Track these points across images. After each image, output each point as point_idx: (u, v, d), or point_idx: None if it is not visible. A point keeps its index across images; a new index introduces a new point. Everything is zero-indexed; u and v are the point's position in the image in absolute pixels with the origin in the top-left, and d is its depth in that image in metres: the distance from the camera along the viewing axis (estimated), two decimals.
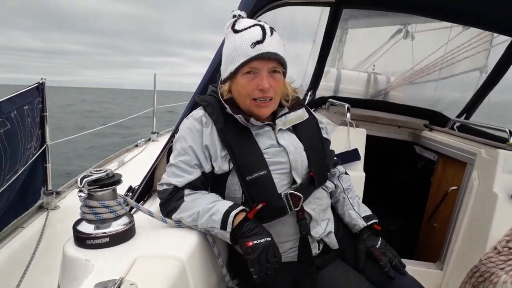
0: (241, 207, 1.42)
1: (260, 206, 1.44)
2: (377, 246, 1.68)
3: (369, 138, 2.71)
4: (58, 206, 2.71)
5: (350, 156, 2.41)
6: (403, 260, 1.70)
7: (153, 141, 5.26)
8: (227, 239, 1.39)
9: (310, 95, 3.52)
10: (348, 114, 2.57)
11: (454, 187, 2.84)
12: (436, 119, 3.54)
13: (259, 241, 1.35)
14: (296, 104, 1.67)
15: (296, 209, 1.52)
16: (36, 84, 2.36)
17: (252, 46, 1.43)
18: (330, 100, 3.43)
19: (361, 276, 1.60)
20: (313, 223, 1.59)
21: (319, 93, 3.87)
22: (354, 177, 2.36)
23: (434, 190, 3.25)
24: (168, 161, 1.66)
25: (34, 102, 2.25)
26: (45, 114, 2.51)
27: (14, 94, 1.98)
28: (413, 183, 3.61)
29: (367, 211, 1.80)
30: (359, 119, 3.60)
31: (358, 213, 1.77)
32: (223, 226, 1.37)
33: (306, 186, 1.57)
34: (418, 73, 3.88)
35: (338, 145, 2.42)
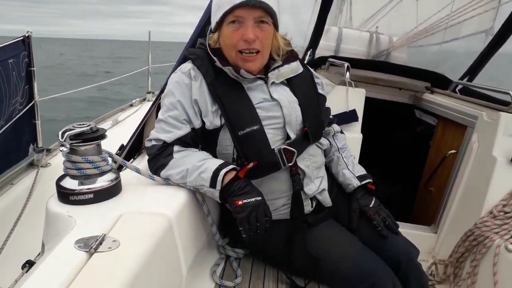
0: (231, 166, 1.38)
1: (251, 165, 1.40)
2: (371, 205, 1.65)
3: (369, 100, 2.63)
4: (49, 163, 2.67)
5: (347, 116, 2.34)
6: (398, 223, 1.68)
7: (148, 101, 5.17)
8: (217, 197, 1.36)
9: (310, 55, 3.41)
10: (348, 73, 2.48)
11: (453, 151, 2.79)
12: (438, 82, 3.45)
13: (249, 200, 1.32)
14: (290, 56, 1.59)
15: (289, 164, 1.48)
16: (22, 37, 2.25)
17: None
18: (330, 59, 3.31)
19: (354, 236, 1.58)
20: (307, 180, 1.56)
21: (319, 53, 3.74)
22: (351, 138, 2.31)
23: (432, 154, 3.21)
24: (157, 117, 1.61)
25: (19, 56, 2.15)
26: (32, 69, 2.42)
27: None
28: (412, 146, 3.56)
29: (361, 171, 1.77)
30: (359, 80, 3.51)
31: (352, 172, 1.74)
32: (213, 184, 1.33)
33: (300, 141, 1.53)
34: (422, 33, 3.73)
35: (336, 105, 2.34)
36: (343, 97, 2.37)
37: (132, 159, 1.73)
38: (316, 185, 1.59)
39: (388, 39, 3.93)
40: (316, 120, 1.62)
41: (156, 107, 1.72)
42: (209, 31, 1.53)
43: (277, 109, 1.50)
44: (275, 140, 1.49)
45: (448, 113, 2.89)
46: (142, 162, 1.63)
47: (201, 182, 1.35)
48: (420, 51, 3.94)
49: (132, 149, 1.73)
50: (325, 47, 3.87)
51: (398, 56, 3.89)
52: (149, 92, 5.25)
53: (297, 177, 1.52)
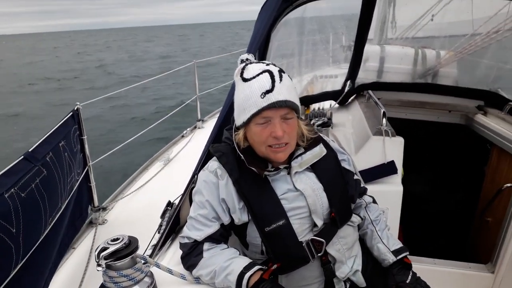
0: (256, 267, 1.42)
1: (275, 266, 1.44)
2: (408, 281, 1.61)
3: (416, 123, 2.52)
4: (106, 220, 2.89)
5: (385, 169, 2.27)
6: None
7: (199, 128, 5.33)
8: None
9: (349, 85, 3.33)
10: (384, 120, 2.40)
11: (509, 184, 2.61)
12: (492, 100, 3.22)
13: None
14: (313, 141, 1.61)
15: (319, 254, 1.50)
16: (71, 114, 2.45)
17: (262, 96, 1.41)
18: (370, 92, 3.22)
19: None
20: (338, 264, 1.57)
21: (361, 75, 3.64)
22: (391, 191, 2.25)
23: (487, 183, 3.02)
24: (190, 199, 1.70)
25: (70, 134, 2.34)
26: (83, 137, 2.63)
27: (48, 134, 2.05)
28: (465, 171, 3.37)
29: (397, 244, 1.73)
30: (405, 105, 3.39)
31: (387, 246, 1.70)
32: (238, 287, 1.39)
33: (329, 227, 1.54)
34: (472, 46, 3.47)
35: (372, 157, 2.29)
36: (380, 148, 2.30)
37: (170, 239, 1.83)
38: (349, 266, 1.59)
39: (435, 54, 3.71)
40: (344, 202, 1.61)
41: (188, 193, 1.81)
42: (234, 124, 1.58)
43: (301, 199, 1.52)
44: (302, 229, 1.51)
45: (503, 143, 2.70)
46: (178, 248, 1.72)
47: (228, 284, 1.41)
48: (473, 65, 3.67)
49: (169, 230, 1.84)
50: (366, 69, 3.75)
51: (447, 72, 3.67)
52: (199, 120, 5.41)
53: (328, 266, 1.54)
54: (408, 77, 3.70)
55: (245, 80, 1.47)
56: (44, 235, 1.86)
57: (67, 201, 2.21)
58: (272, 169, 1.53)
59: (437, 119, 3.34)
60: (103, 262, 1.33)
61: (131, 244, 1.39)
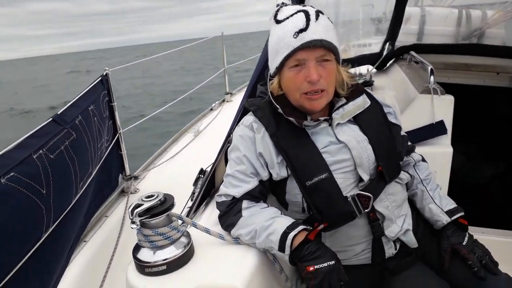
0: (300, 227, 1.30)
1: (321, 226, 1.33)
2: (464, 243, 1.47)
3: (461, 87, 2.32)
4: (137, 189, 2.84)
5: (434, 129, 2.09)
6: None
7: (227, 101, 5.23)
8: (287, 261, 1.30)
9: (388, 47, 3.12)
10: (432, 78, 2.20)
11: None
12: None
13: (321, 265, 1.23)
14: (355, 91, 1.47)
15: (366, 210, 1.37)
16: (100, 78, 2.37)
17: (295, 36, 1.29)
18: (412, 53, 2.99)
19: (445, 284, 1.42)
20: (387, 222, 1.43)
21: (401, 39, 3.41)
22: (440, 153, 2.08)
23: None
24: (226, 159, 1.60)
25: (99, 99, 2.27)
26: (113, 104, 2.56)
27: (77, 97, 1.99)
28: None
29: (450, 204, 1.57)
30: (449, 67, 3.16)
31: (440, 207, 1.55)
32: (281, 248, 1.28)
33: (376, 182, 1.41)
34: None
35: (420, 117, 2.11)
36: (428, 107, 2.12)
37: (204, 203, 1.74)
38: (398, 225, 1.45)
39: (481, 15, 3.42)
40: (391, 157, 1.47)
41: (224, 154, 1.71)
42: (268, 76, 1.47)
43: (345, 151, 1.39)
44: (346, 184, 1.38)
45: None
46: (214, 210, 1.63)
47: (270, 244, 1.30)
48: None
49: (205, 193, 1.75)
50: (406, 31, 3.51)
51: (494, 33, 3.38)
52: (227, 93, 5.31)
53: (376, 223, 1.41)
54: (451, 39, 3.45)
55: (278, 22, 1.35)
56: (75, 200, 1.80)
57: (97, 168, 2.15)
58: (312, 121, 1.39)
59: (483, 82, 3.10)
60: (137, 219, 1.24)
61: (167, 201, 1.30)
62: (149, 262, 1.26)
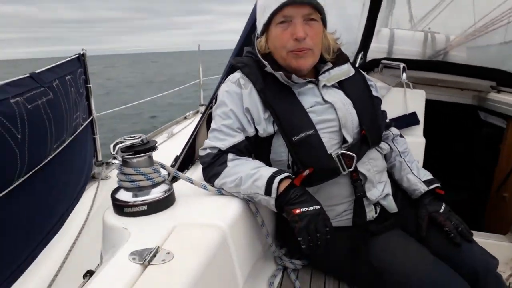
0: (286, 173, 1.31)
1: (307, 172, 1.33)
2: (441, 211, 1.51)
3: (428, 103, 2.47)
4: (109, 176, 2.75)
5: (407, 120, 2.19)
6: (472, 232, 1.52)
7: (201, 113, 5.24)
8: (272, 206, 1.29)
9: (361, 58, 3.28)
10: (404, 74, 2.33)
11: None
12: (505, 80, 3.18)
13: (307, 208, 1.24)
14: (340, 58, 1.53)
15: (349, 169, 1.39)
16: (77, 55, 2.34)
17: None
18: (384, 61, 3.16)
19: (424, 247, 1.44)
20: (369, 185, 1.46)
21: (371, 56, 3.60)
22: (413, 142, 2.16)
23: (503, 158, 2.94)
24: (208, 128, 1.60)
25: (76, 73, 2.23)
26: (88, 85, 2.51)
27: (54, 65, 1.96)
28: (478, 150, 3.30)
29: (427, 175, 1.63)
30: (417, 82, 3.33)
31: (417, 177, 1.60)
32: (268, 191, 1.27)
33: (359, 145, 1.45)
34: (482, 29, 3.47)
35: (394, 109, 2.21)
36: (401, 99, 2.23)
37: (186, 170, 1.72)
38: (379, 190, 1.49)
39: (444, 38, 3.70)
40: (374, 123, 1.52)
41: (207, 118, 1.71)
42: (255, 37, 1.51)
43: (331, 111, 1.43)
44: (331, 144, 1.41)
45: None
46: (195, 173, 1.62)
47: (256, 190, 1.29)
48: (482, 48, 3.66)
49: (185, 160, 1.72)
50: (377, 50, 3.71)
51: (457, 56, 3.65)
52: (201, 105, 5.34)
53: (358, 182, 1.44)
54: (418, 58, 3.67)
55: None
56: (47, 159, 1.73)
57: (70, 139, 2.08)
58: (299, 78, 1.43)
59: (448, 99, 3.28)
60: (119, 155, 1.20)
61: (150, 143, 1.28)
62: (129, 202, 1.22)
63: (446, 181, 1.82)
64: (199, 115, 5.10)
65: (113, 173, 2.82)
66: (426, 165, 2.20)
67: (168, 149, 3.56)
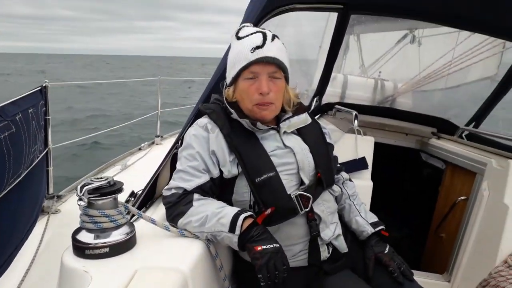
0: (249, 212, 1.40)
1: (269, 211, 1.43)
2: (385, 252, 1.66)
3: (375, 145, 2.65)
4: (59, 210, 2.68)
5: (357, 164, 2.37)
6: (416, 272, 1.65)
7: (156, 144, 5.23)
8: (235, 243, 1.36)
9: (316, 101, 3.47)
10: (356, 121, 2.53)
11: (462, 197, 2.78)
12: (444, 127, 3.48)
13: (267, 246, 1.33)
14: (300, 109, 1.69)
15: (306, 210, 1.51)
16: (39, 88, 2.33)
17: (252, 51, 1.47)
18: (337, 106, 3.38)
19: None
20: (322, 225, 1.58)
21: (325, 99, 3.82)
22: (361, 186, 2.32)
23: (441, 199, 3.19)
24: (171, 169, 1.65)
25: (38, 105, 2.22)
26: (48, 117, 2.49)
27: (18, 97, 1.94)
28: (420, 191, 3.55)
29: (373, 218, 1.79)
30: (366, 125, 3.55)
31: (365, 219, 1.75)
32: (232, 228, 1.35)
33: (314, 187, 1.58)
34: (426, 79, 3.82)
35: (345, 153, 2.38)
36: (352, 145, 2.40)
37: (144, 208, 1.74)
38: (331, 230, 1.61)
39: (392, 85, 4.01)
40: (328, 166, 1.67)
41: (170, 159, 1.76)
42: (224, 86, 1.62)
43: (290, 155, 1.56)
44: (290, 186, 1.53)
45: (457, 159, 2.89)
46: (155, 212, 1.64)
47: (220, 228, 1.36)
48: (425, 96, 4.01)
49: (145, 198, 1.75)
50: (331, 93, 3.94)
51: (403, 102, 3.96)
52: (157, 136, 5.32)
53: (313, 222, 1.55)
54: (368, 103, 3.94)
55: (239, 38, 1.54)
56: (1, 194, 1.70)
57: (25, 173, 2.05)
58: (263, 125, 1.55)
59: (394, 142, 3.52)
60: (85, 197, 1.23)
61: (116, 184, 1.31)
62: (90, 244, 1.24)
63: (387, 219, 1.98)
64: (154, 146, 5.12)
65: (63, 207, 2.76)
66: (372, 204, 2.36)
67: (123, 181, 3.53)
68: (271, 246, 1.33)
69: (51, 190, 2.71)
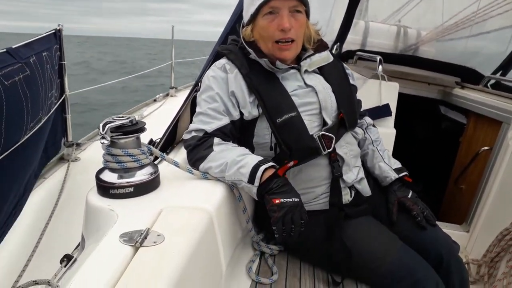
0: (271, 163, 1.36)
1: (291, 163, 1.39)
2: (409, 196, 1.63)
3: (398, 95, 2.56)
4: (78, 158, 2.69)
5: (381, 111, 2.29)
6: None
7: (171, 96, 5.18)
8: (254, 194, 1.33)
9: (337, 48, 3.35)
10: (380, 66, 2.42)
11: (486, 148, 2.71)
12: (469, 76, 3.35)
13: (286, 200, 1.29)
14: (321, 46, 1.60)
15: (328, 150, 1.47)
16: (53, 31, 2.26)
17: None
18: (359, 53, 3.24)
19: (393, 234, 1.53)
20: (345, 168, 1.55)
21: (345, 47, 3.68)
22: (384, 133, 2.26)
23: (463, 151, 3.12)
24: (191, 113, 1.61)
25: (52, 49, 2.16)
26: (63, 62, 2.44)
27: (32, 40, 1.89)
28: (437, 143, 3.47)
29: (397, 164, 1.75)
30: (389, 74, 3.45)
31: (388, 165, 1.71)
32: (251, 179, 1.31)
33: (337, 127, 1.53)
34: (452, 27, 3.63)
35: (368, 100, 2.30)
36: (376, 91, 2.32)
37: (165, 153, 1.72)
38: (354, 173, 1.58)
39: (416, 33, 3.83)
40: (351, 107, 1.61)
41: (190, 103, 1.71)
42: (241, 26, 1.54)
43: (312, 95, 1.51)
44: (312, 126, 1.49)
45: (481, 109, 2.80)
46: (176, 156, 1.62)
47: (240, 177, 1.33)
48: (449, 46, 3.83)
49: (166, 143, 1.72)
50: (351, 41, 3.80)
51: (426, 51, 3.80)
52: (172, 87, 5.26)
53: (336, 163, 1.52)
54: (390, 51, 3.78)
55: None
56: (24, 139, 1.69)
57: (45, 119, 2.03)
58: (283, 64, 1.48)
59: (416, 92, 3.41)
60: (108, 135, 1.20)
61: (139, 123, 1.28)
62: (115, 183, 1.22)
63: (409, 171, 1.94)
64: (169, 98, 5.07)
65: (82, 155, 2.76)
66: (394, 155, 2.31)
67: None
68: (290, 200, 1.29)
69: (70, 138, 2.70)
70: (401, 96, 3.02)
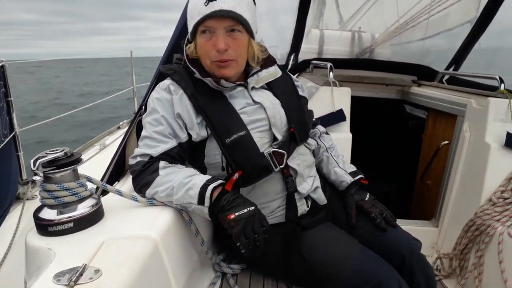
0: (219, 181, 1.32)
1: (236, 175, 1.36)
2: (366, 199, 1.63)
3: (356, 99, 2.59)
4: (35, 195, 2.59)
5: (335, 117, 2.30)
6: (399, 221, 1.63)
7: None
8: (206, 215, 1.29)
9: (293, 59, 3.37)
10: (331, 73, 2.45)
11: (445, 142, 2.76)
12: (425, 74, 3.42)
13: (241, 211, 1.26)
14: (267, 61, 1.57)
15: (281, 166, 1.45)
16: None
17: (205, 4, 1.34)
18: (313, 62, 3.28)
19: (352, 237, 1.52)
20: (299, 179, 1.53)
21: (302, 57, 3.71)
22: (341, 138, 2.27)
23: (425, 147, 3.17)
24: (138, 137, 1.57)
25: None
26: (9, 99, 2.36)
27: None
28: (405, 142, 3.52)
29: (352, 167, 1.75)
30: (344, 80, 3.48)
31: (343, 169, 1.71)
32: (201, 200, 1.27)
33: (288, 142, 1.52)
34: (403, 26, 3.72)
35: (322, 107, 2.31)
36: (329, 97, 2.34)
37: (116, 182, 1.67)
38: (309, 184, 1.56)
39: (370, 36, 3.91)
40: (301, 120, 1.60)
41: (135, 127, 1.67)
42: (186, 42, 1.50)
43: (260, 111, 1.48)
44: (262, 143, 1.46)
45: (438, 104, 2.86)
46: (126, 184, 1.57)
47: (188, 199, 1.29)
48: (403, 45, 3.92)
49: (116, 171, 1.67)
50: (308, 50, 3.84)
51: (381, 53, 3.87)
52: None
53: (289, 178, 1.50)
54: (346, 57, 3.84)
55: None
56: None
57: None
58: (228, 82, 1.45)
59: (375, 94, 3.47)
60: (40, 171, 1.14)
61: (74, 155, 1.22)
62: (53, 220, 1.16)
63: (376, 174, 1.95)
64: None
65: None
66: (354, 160, 2.32)
67: (102, 161, 3.45)
68: (245, 210, 1.26)
69: (24, 176, 2.60)
70: (360, 100, 3.06)
